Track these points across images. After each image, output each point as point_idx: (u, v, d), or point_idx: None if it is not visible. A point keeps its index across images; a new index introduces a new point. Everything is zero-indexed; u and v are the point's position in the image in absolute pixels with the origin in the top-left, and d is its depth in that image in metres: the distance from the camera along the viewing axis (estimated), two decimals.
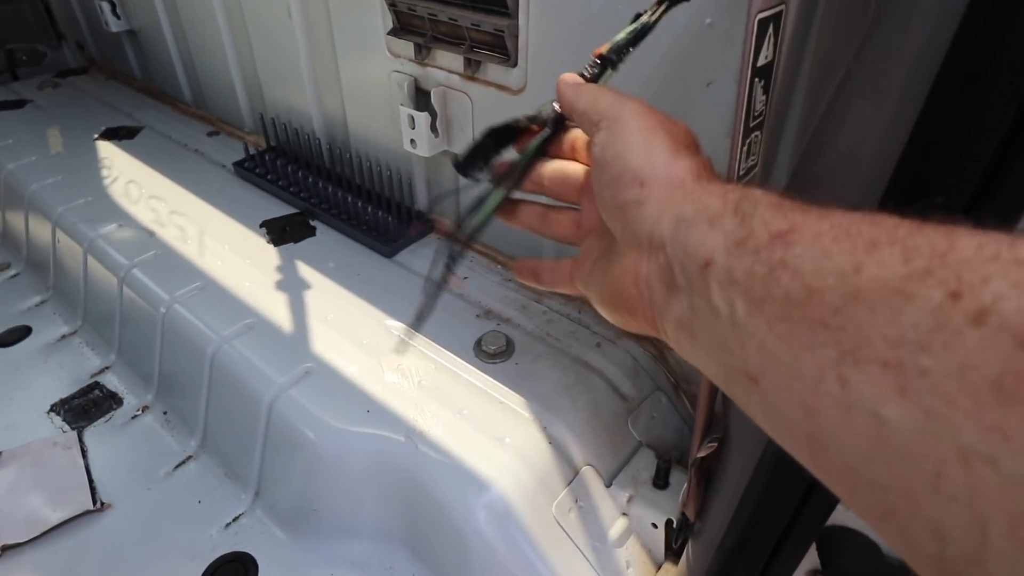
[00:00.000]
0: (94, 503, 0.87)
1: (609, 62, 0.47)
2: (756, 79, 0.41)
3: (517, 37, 0.84)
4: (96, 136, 1.50)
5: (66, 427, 0.98)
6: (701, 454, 0.60)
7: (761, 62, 0.42)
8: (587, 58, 0.82)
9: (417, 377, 0.84)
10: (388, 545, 0.80)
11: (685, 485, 0.66)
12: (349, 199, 1.14)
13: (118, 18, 1.61)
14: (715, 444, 0.58)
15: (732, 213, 0.30)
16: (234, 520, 0.85)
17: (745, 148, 0.45)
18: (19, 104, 1.69)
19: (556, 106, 0.46)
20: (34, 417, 1.00)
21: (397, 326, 0.92)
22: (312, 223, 1.15)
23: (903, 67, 0.34)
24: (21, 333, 1.16)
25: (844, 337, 0.22)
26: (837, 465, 0.23)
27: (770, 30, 0.42)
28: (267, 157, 1.30)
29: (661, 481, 0.79)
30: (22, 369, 1.09)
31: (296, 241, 1.11)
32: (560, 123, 0.47)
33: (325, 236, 1.13)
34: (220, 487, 0.90)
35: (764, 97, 0.43)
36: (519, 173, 0.50)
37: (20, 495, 0.87)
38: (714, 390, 0.61)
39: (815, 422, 0.23)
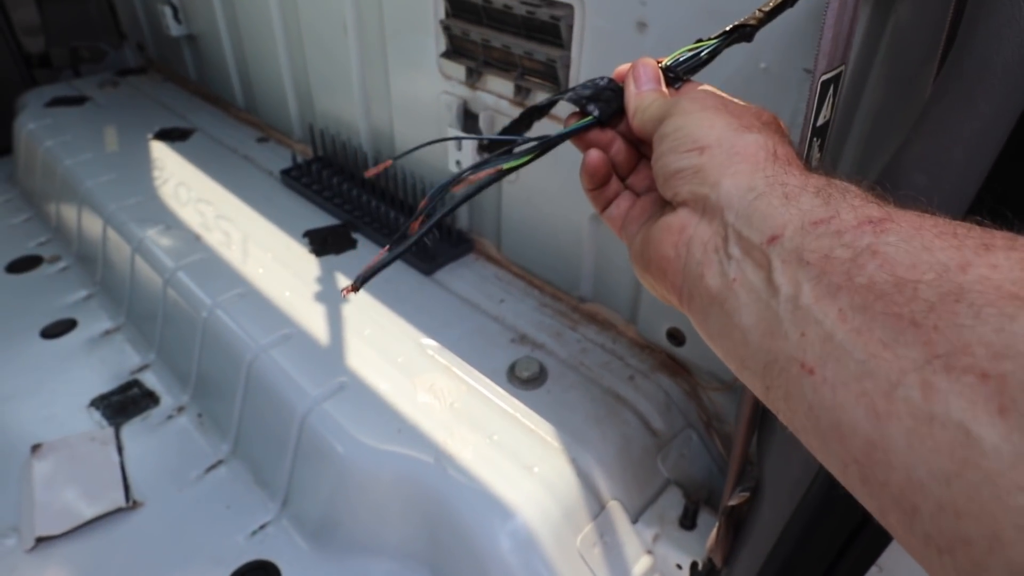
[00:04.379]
0: (127, 501, 0.89)
1: (667, 78, 0.45)
2: (814, 138, 0.41)
3: (569, 68, 0.85)
4: (150, 136, 1.55)
5: (104, 423, 1.01)
6: (733, 502, 0.59)
7: (820, 122, 0.41)
8: None
9: (449, 399, 0.84)
10: (410, 564, 0.80)
11: (714, 530, 0.65)
12: (391, 214, 1.16)
13: (179, 23, 1.66)
14: (747, 494, 0.58)
15: (813, 194, 0.28)
16: (260, 528, 0.86)
17: None
18: (79, 101, 1.75)
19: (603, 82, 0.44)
20: (74, 411, 1.03)
21: (432, 345, 0.93)
22: (353, 235, 1.17)
23: (963, 144, 0.34)
24: (67, 326, 1.20)
25: (937, 339, 0.20)
26: (900, 481, 0.20)
27: (830, 91, 0.41)
28: (313, 167, 1.33)
29: (688, 522, 0.78)
30: (66, 362, 1.12)
31: (337, 252, 1.13)
32: (614, 112, 0.44)
33: (365, 249, 1.14)
34: (248, 494, 0.91)
35: (819, 155, 0.43)
36: (552, 142, 0.46)
37: (57, 488, 0.89)
38: (750, 436, 0.60)
39: (881, 428, 0.21)
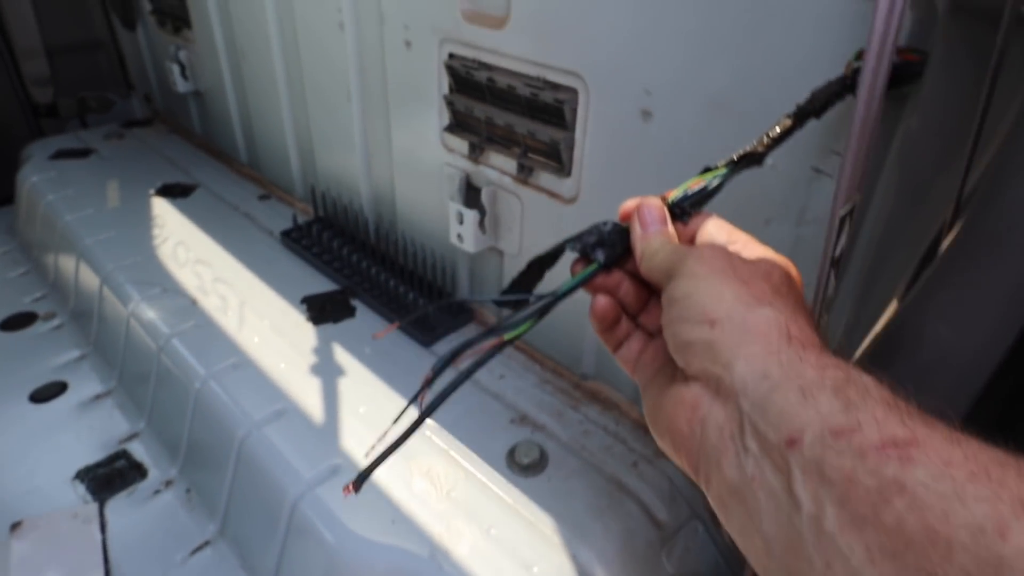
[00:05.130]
0: None
1: (673, 213, 0.45)
2: (832, 270, 0.40)
3: (572, 149, 0.85)
4: (152, 192, 1.55)
5: (89, 497, 0.97)
6: None
7: (837, 253, 0.40)
8: (641, 177, 0.81)
9: (446, 486, 0.81)
10: None
11: None
12: (391, 282, 1.14)
13: (186, 79, 1.68)
14: None
15: (832, 393, 0.26)
16: None
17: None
18: (84, 153, 1.75)
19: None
20: (59, 483, 1.00)
21: (431, 424, 0.90)
22: (352, 303, 1.15)
23: (995, 300, 0.32)
24: (58, 389, 1.17)
25: None
26: None
27: (847, 225, 0.40)
28: (314, 228, 1.32)
29: None
30: (54, 428, 1.09)
31: (335, 321, 1.11)
32: (619, 256, 0.43)
33: (364, 318, 1.13)
34: None
35: (835, 284, 0.41)
36: (556, 301, 0.45)
37: (34, 570, 0.86)
38: None
39: None
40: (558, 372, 1.02)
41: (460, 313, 1.11)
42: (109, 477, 1.00)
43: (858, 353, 0.39)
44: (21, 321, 1.35)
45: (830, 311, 0.44)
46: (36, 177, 1.62)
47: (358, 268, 1.20)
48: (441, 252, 1.12)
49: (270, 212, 1.47)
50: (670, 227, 0.41)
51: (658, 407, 0.36)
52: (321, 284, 1.21)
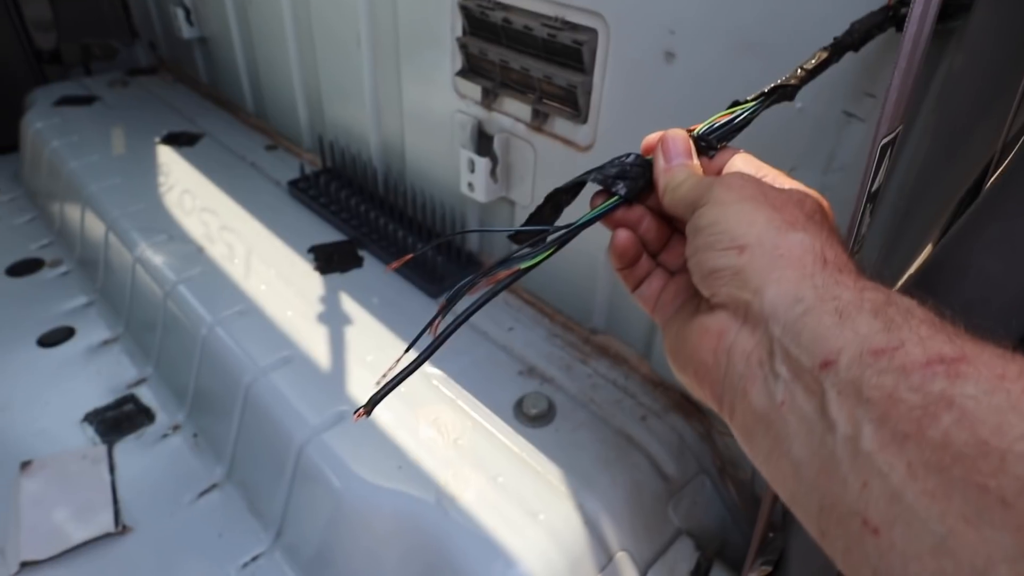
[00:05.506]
0: (116, 525, 0.85)
1: (699, 147, 0.43)
2: (867, 204, 0.38)
3: (590, 94, 0.82)
4: (158, 140, 1.52)
5: (97, 439, 0.98)
6: (753, 574, 0.56)
7: (874, 187, 0.38)
8: (661, 123, 0.78)
9: (453, 434, 0.81)
10: None
11: None
12: (400, 233, 1.13)
13: (191, 25, 1.64)
14: (769, 568, 0.54)
15: (871, 314, 0.24)
16: (252, 560, 0.83)
17: None
18: (88, 100, 1.72)
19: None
20: (68, 425, 1.00)
21: (437, 374, 0.90)
22: (360, 253, 1.14)
23: None
24: (65, 334, 1.17)
25: None
26: None
27: (887, 155, 0.38)
28: (322, 179, 1.30)
29: None
30: (62, 372, 1.10)
31: (343, 271, 1.09)
32: (641, 189, 0.41)
33: (371, 268, 1.11)
34: (242, 522, 0.88)
35: (869, 221, 0.39)
36: (574, 231, 0.44)
37: (45, 508, 0.86)
38: (775, 502, 0.56)
39: None
40: (568, 326, 1.00)
41: (469, 265, 1.09)
42: (117, 420, 1.01)
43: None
44: (28, 267, 1.34)
45: (861, 250, 0.42)
46: (41, 123, 1.59)
47: (366, 219, 1.18)
48: (451, 203, 1.10)
49: (277, 162, 1.44)
50: (695, 159, 0.39)
51: (680, 340, 0.34)
52: (328, 234, 1.19)
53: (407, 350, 0.38)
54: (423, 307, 1.03)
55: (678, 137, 0.39)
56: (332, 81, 1.30)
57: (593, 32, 0.79)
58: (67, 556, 0.83)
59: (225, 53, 1.63)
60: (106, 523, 0.86)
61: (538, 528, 0.71)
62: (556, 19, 0.81)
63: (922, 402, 0.21)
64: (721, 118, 0.43)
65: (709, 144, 0.41)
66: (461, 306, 0.40)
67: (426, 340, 0.41)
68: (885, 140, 0.36)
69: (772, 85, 0.45)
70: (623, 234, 0.40)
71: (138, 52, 2.05)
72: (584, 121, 0.84)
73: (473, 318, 1.04)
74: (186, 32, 1.65)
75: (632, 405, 0.87)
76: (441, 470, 0.77)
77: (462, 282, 0.38)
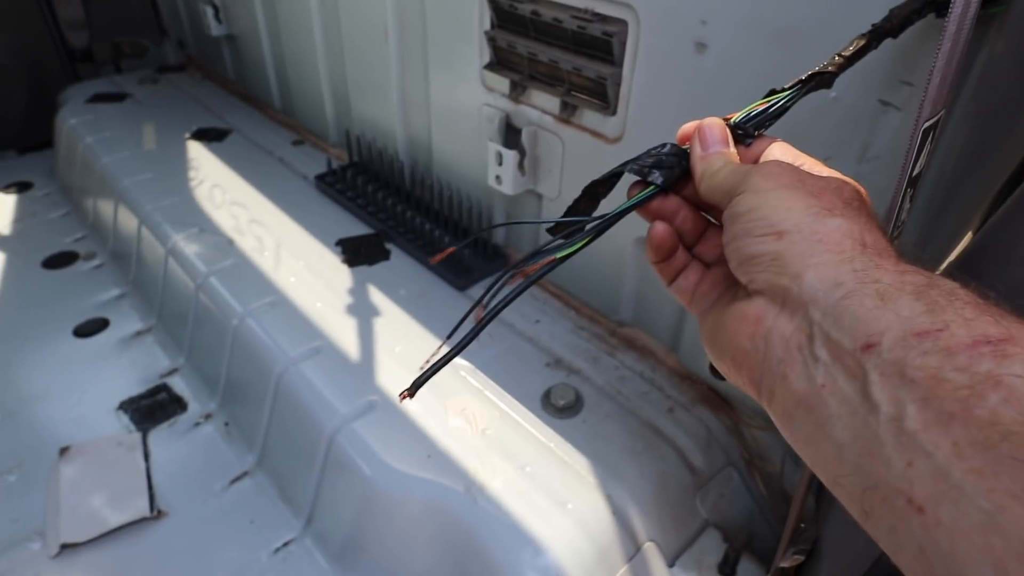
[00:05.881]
0: (151, 510, 0.87)
1: (736, 135, 0.43)
2: (908, 190, 0.37)
3: (619, 86, 0.82)
4: (187, 136, 1.55)
5: (132, 427, 1.00)
6: (784, 564, 0.55)
7: (916, 171, 0.38)
8: (691, 115, 0.78)
9: (481, 424, 0.82)
10: None
11: None
12: (426, 226, 1.14)
13: (220, 23, 1.66)
14: (802, 557, 0.54)
15: (913, 296, 0.25)
16: (284, 545, 0.85)
17: None
18: (120, 97, 1.76)
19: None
20: (103, 413, 1.02)
21: (465, 365, 0.90)
22: (387, 246, 1.15)
23: None
24: (99, 325, 1.20)
25: None
26: None
27: (929, 139, 0.38)
28: (348, 173, 1.31)
29: (728, 569, 0.74)
30: (97, 362, 1.12)
31: (370, 263, 1.11)
32: (678, 178, 0.42)
33: (398, 261, 1.12)
34: (272, 508, 0.89)
35: (909, 207, 0.39)
36: (611, 221, 0.44)
37: (83, 493, 0.89)
38: (808, 494, 0.56)
39: None
40: (594, 319, 1.01)
41: (496, 258, 1.10)
42: (151, 409, 1.03)
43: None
44: (63, 260, 1.37)
45: (900, 236, 0.42)
46: (74, 120, 1.63)
47: (392, 212, 1.19)
48: (477, 196, 1.10)
49: (304, 157, 1.46)
50: (732, 147, 0.39)
51: (718, 328, 0.34)
52: (356, 227, 1.20)
53: (449, 336, 0.39)
54: (450, 299, 1.04)
55: (715, 125, 0.39)
56: (359, 76, 1.31)
57: (623, 24, 0.79)
58: (104, 539, 0.85)
59: (253, 50, 1.65)
60: (142, 508, 0.88)
61: (566, 517, 0.72)
62: (586, 11, 0.82)
63: (968, 382, 0.21)
64: (758, 107, 0.43)
65: (746, 132, 0.41)
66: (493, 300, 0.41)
67: (462, 329, 0.42)
68: (927, 124, 0.36)
69: (810, 72, 0.45)
70: (660, 226, 0.40)
71: (167, 50, 2.09)
72: (613, 113, 0.84)
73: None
74: (215, 30, 1.68)
75: (659, 397, 0.87)
76: (470, 459, 0.77)
77: (503, 272, 0.38)
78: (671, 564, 0.75)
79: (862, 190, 0.34)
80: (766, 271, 0.30)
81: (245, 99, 1.77)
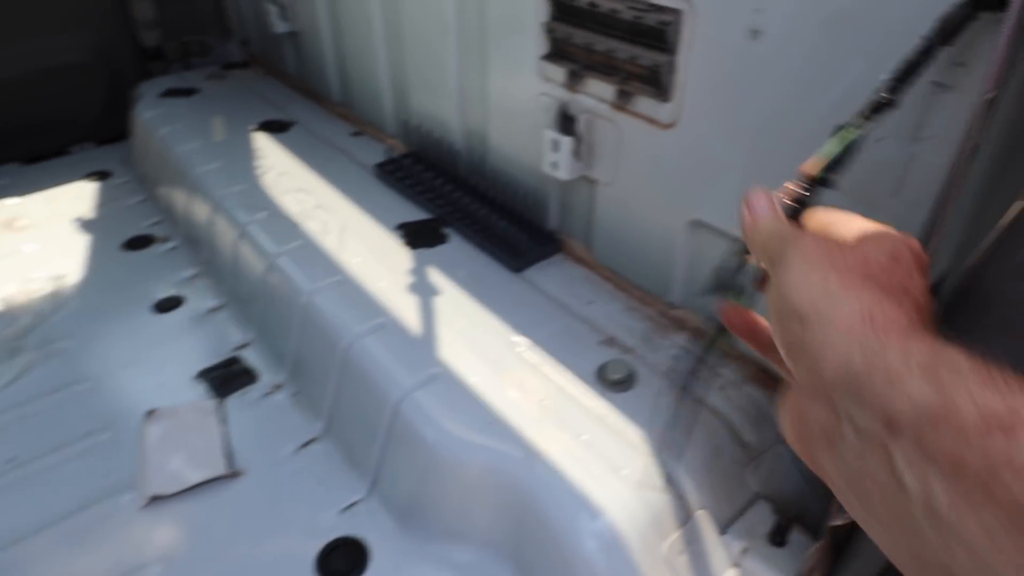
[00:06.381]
0: (229, 469, 0.94)
1: (821, 183, 0.41)
2: (967, 161, 0.40)
3: (674, 74, 0.85)
4: (253, 127, 1.63)
5: (208, 395, 1.07)
6: (837, 522, 0.58)
7: (973, 145, 0.40)
8: (745, 101, 0.81)
9: (538, 396, 0.86)
10: (493, 556, 0.82)
11: (811, 549, 0.64)
12: (483, 211, 1.18)
13: (285, 20, 1.74)
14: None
15: (919, 375, 0.25)
16: (351, 506, 0.90)
17: None
18: (189, 92, 1.86)
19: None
20: (182, 382, 1.10)
21: (521, 342, 0.95)
22: (444, 231, 1.20)
23: None
24: (176, 302, 1.28)
25: None
26: None
27: (988, 112, 0.40)
28: (406, 162, 1.37)
29: (778, 538, 0.76)
30: (175, 335, 1.20)
31: (429, 246, 1.16)
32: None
33: (456, 244, 1.17)
34: (340, 472, 0.95)
35: (965, 181, 0.41)
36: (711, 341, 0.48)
37: (167, 452, 0.96)
38: None
39: None
40: (646, 300, 1.04)
41: (548, 242, 1.14)
42: (225, 378, 1.10)
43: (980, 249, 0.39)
44: (141, 242, 1.47)
45: (956, 207, 0.44)
46: (149, 113, 1.73)
47: (450, 199, 1.24)
48: (533, 182, 1.14)
49: (363, 147, 1.53)
50: (778, 209, 0.38)
51: (786, 410, 0.35)
52: (414, 213, 1.26)
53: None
54: (505, 280, 1.08)
55: (760, 194, 0.39)
56: (418, 68, 1.37)
57: (678, 13, 0.82)
58: (187, 493, 0.92)
59: (314, 46, 1.72)
60: (219, 467, 0.95)
61: (621, 482, 0.75)
62: (642, 1, 0.85)
63: (984, 464, 0.22)
64: (830, 149, 0.42)
65: (802, 204, 0.40)
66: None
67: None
68: (988, 96, 0.38)
69: (871, 103, 0.46)
70: (738, 313, 0.42)
71: (230, 48, 2.19)
72: (667, 100, 0.87)
73: (553, 291, 1.12)
74: (279, 27, 1.76)
75: (710, 375, 0.90)
76: (528, 428, 0.81)
77: (684, 373, 0.43)
78: (722, 532, 0.78)
79: (901, 248, 0.33)
80: (796, 362, 0.31)
81: (305, 93, 1.85)
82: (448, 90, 1.28)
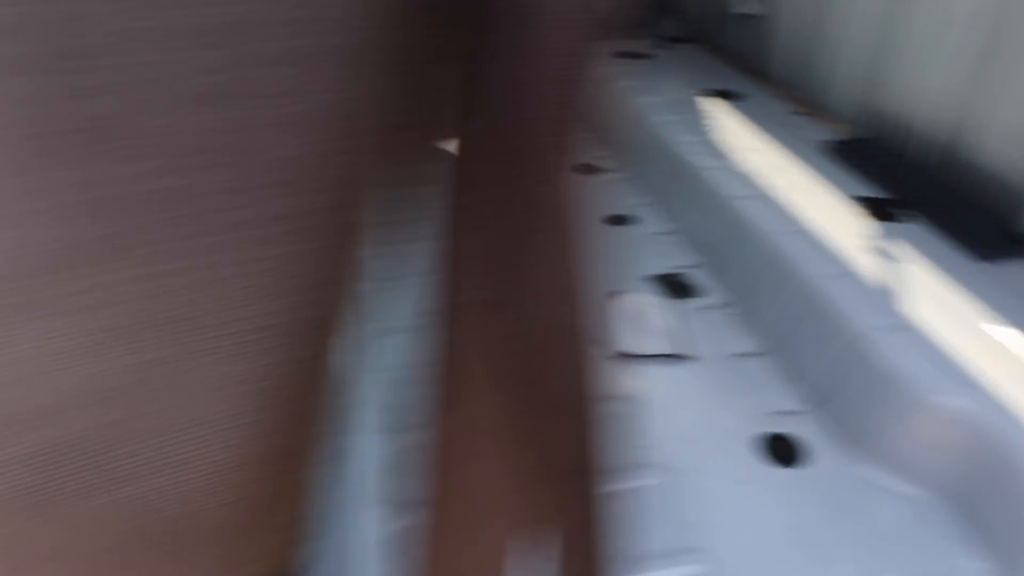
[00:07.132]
0: (681, 352, 1.14)
1: None
2: None
3: None
4: (699, 93, 1.83)
5: (661, 295, 1.29)
6: None
7: None
8: None
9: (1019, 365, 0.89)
10: (939, 495, 0.88)
11: None
12: (942, 198, 1.21)
13: (761, 2, 1.90)
14: None
15: None
16: (792, 412, 1.03)
17: None
18: (641, 56, 2.14)
19: None
20: (636, 283, 1.34)
21: (995, 324, 0.97)
22: (892, 211, 1.25)
23: None
24: (631, 220, 1.53)
25: None
26: None
27: None
28: (861, 144, 1.44)
29: None
30: (633, 247, 1.45)
31: (889, 220, 1.23)
32: None
33: (910, 226, 1.22)
34: (781, 384, 1.09)
35: None
36: None
37: (632, 326, 1.20)
38: None
39: None
40: None
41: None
42: (675, 286, 1.31)
43: None
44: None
45: None
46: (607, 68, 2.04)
47: (911, 182, 1.29)
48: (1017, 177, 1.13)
49: (809, 126, 1.63)
50: None
51: None
52: (865, 190, 1.33)
53: None
54: (973, 268, 1.11)
55: None
56: (891, 55, 1.41)
57: None
58: (645, 360, 1.14)
59: (779, 30, 1.85)
60: (672, 348, 1.15)
61: None
62: None
63: None
64: None
65: None
66: None
67: None
68: None
69: None
70: None
71: (667, 24, 2.43)
72: None
73: None
74: (750, 8, 1.92)
75: None
76: (1005, 383, 0.86)
77: None
78: None
79: None
80: None
81: (745, 71, 2.00)
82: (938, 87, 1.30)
